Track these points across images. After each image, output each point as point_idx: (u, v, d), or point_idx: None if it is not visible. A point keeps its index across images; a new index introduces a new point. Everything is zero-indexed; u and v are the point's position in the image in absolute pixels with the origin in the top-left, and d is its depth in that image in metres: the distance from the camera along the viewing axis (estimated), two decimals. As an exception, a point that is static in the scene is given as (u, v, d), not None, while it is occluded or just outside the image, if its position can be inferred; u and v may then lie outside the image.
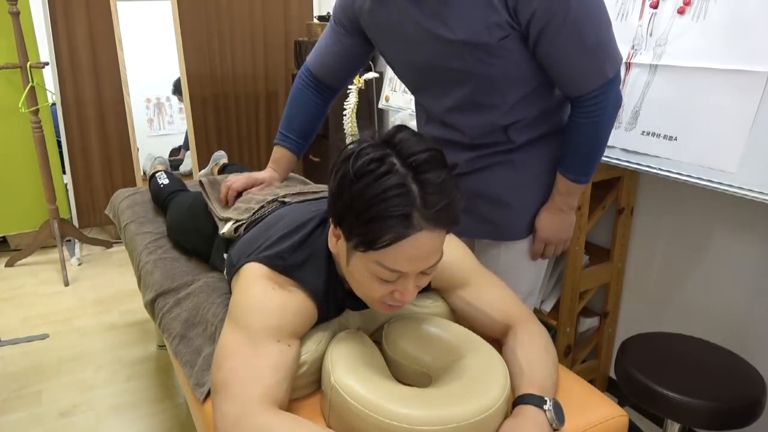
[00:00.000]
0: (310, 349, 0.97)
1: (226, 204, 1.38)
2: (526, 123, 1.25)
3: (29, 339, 2.31)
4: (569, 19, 1.05)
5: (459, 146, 1.30)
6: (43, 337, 2.33)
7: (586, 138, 1.20)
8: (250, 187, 1.40)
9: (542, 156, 1.29)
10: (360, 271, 0.88)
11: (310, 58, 1.44)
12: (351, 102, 2.55)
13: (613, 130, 1.60)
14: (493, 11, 1.07)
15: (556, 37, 1.07)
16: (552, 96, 1.25)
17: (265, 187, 1.42)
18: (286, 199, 1.24)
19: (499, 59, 1.13)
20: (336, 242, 0.92)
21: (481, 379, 0.90)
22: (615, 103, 1.17)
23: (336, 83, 1.45)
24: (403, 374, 1.02)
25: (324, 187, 1.38)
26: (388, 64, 1.35)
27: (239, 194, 1.40)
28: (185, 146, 3.33)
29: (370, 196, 0.81)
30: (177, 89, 3.23)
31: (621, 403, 1.88)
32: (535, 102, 1.23)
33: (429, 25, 1.13)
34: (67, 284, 2.79)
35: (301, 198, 1.25)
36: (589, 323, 1.98)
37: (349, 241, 0.87)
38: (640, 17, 1.55)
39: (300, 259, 0.99)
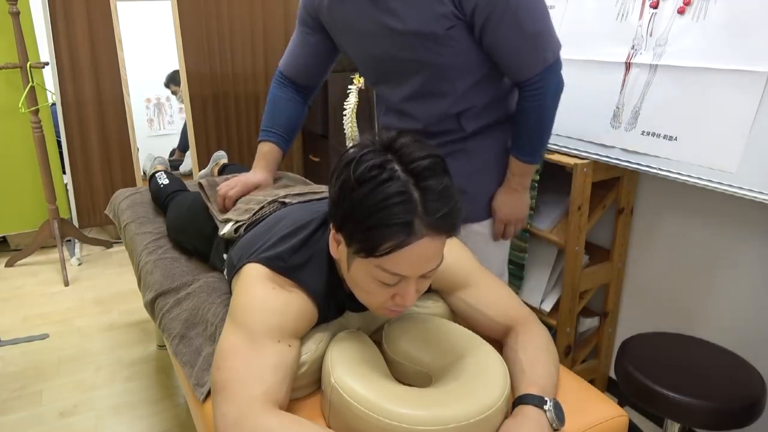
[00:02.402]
0: (310, 349, 0.97)
1: (225, 211, 1.38)
2: (476, 111, 1.33)
3: (29, 339, 2.31)
4: (509, 10, 1.14)
5: (416, 135, 1.37)
6: (43, 337, 2.33)
7: (533, 121, 1.30)
8: (247, 194, 1.41)
9: (494, 144, 1.38)
10: (361, 275, 0.88)
11: (281, 62, 1.50)
12: (351, 102, 2.55)
13: (613, 130, 1.60)
14: (439, 3, 1.15)
15: (498, 27, 1.17)
16: (500, 85, 1.33)
17: (261, 190, 1.42)
18: (287, 200, 1.24)
19: (447, 48, 1.21)
20: (337, 247, 0.92)
21: (481, 379, 0.90)
22: (557, 86, 1.27)
23: (310, 82, 1.50)
24: (403, 374, 1.02)
25: (324, 187, 1.38)
26: (350, 57, 1.41)
27: (238, 198, 1.40)
28: (180, 147, 3.33)
29: (371, 204, 0.81)
30: (171, 80, 3.23)
31: (621, 403, 1.88)
32: (484, 90, 1.31)
33: (382, 18, 1.21)
34: (67, 284, 2.79)
35: (301, 199, 1.25)
36: (589, 323, 1.98)
37: (350, 246, 0.87)
38: (640, 17, 1.55)
39: (300, 261, 0.99)
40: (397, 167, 0.82)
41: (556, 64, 1.25)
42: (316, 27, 1.39)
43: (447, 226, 0.84)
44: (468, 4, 1.15)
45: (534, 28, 1.19)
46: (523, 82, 1.26)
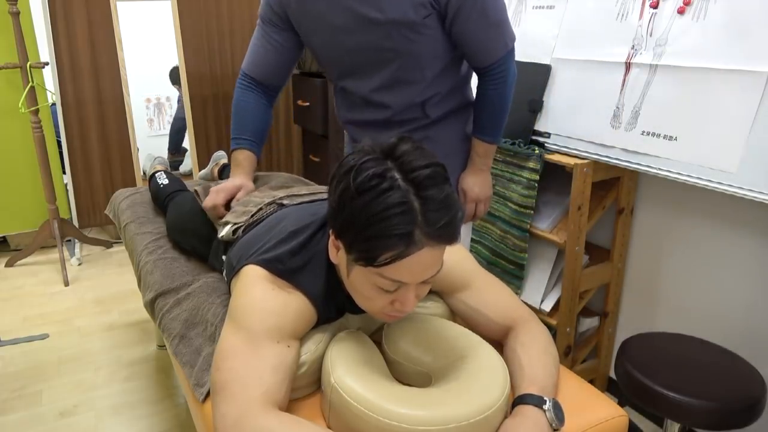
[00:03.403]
0: (310, 349, 0.97)
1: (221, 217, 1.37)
2: (439, 98, 1.43)
3: (29, 339, 2.31)
4: (478, 1, 1.27)
5: (382, 125, 1.46)
6: (43, 337, 2.33)
7: (496, 103, 1.42)
8: (232, 196, 1.40)
9: (455, 130, 1.50)
10: (360, 282, 0.88)
11: (244, 63, 1.51)
12: (351, 102, 2.55)
13: (613, 130, 1.60)
14: None
15: (468, 17, 1.28)
16: (459, 73, 1.45)
17: (245, 192, 1.41)
18: (285, 201, 1.24)
19: (422, 36, 1.30)
20: (336, 253, 0.92)
21: (481, 379, 0.90)
22: (514, 71, 1.41)
23: (276, 81, 1.51)
24: (403, 374, 1.02)
25: (322, 188, 1.38)
26: (315, 53, 1.44)
27: (227, 204, 1.39)
28: (170, 148, 3.33)
29: (371, 214, 0.80)
30: (174, 79, 3.23)
31: (621, 403, 1.88)
32: (447, 77, 1.42)
33: (361, 9, 1.28)
34: (67, 284, 2.79)
35: (300, 200, 1.25)
36: (589, 323, 1.98)
37: (349, 254, 0.86)
38: (640, 17, 1.55)
39: (299, 264, 0.99)
40: (397, 176, 0.81)
41: (513, 51, 1.40)
42: (284, 25, 1.41)
43: (447, 236, 0.83)
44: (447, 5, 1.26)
45: (497, 17, 1.32)
46: (486, 68, 1.38)
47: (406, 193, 0.80)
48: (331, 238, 0.92)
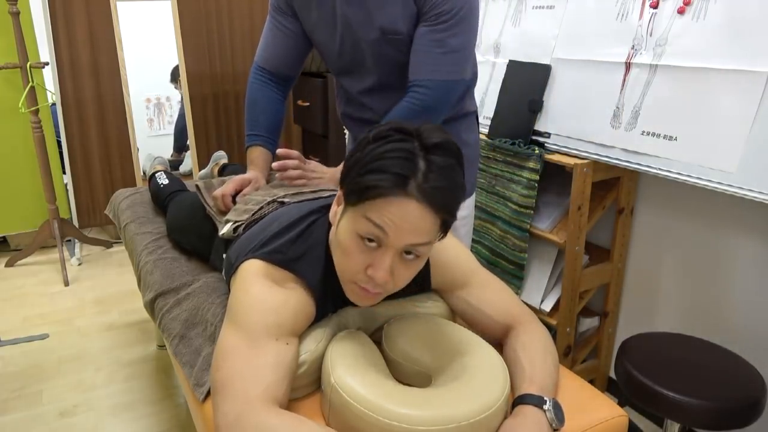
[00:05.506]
0: (310, 348, 0.97)
1: (225, 211, 1.38)
2: None
3: (29, 339, 2.31)
4: (443, 17, 1.24)
5: (370, 124, 1.44)
6: (43, 337, 2.33)
7: (395, 114, 1.31)
8: (241, 189, 1.40)
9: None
10: (345, 229, 0.88)
11: (257, 56, 1.50)
12: (351, 102, 2.55)
13: (613, 130, 1.60)
14: (406, 5, 1.26)
15: (426, 21, 1.26)
16: None
17: (255, 186, 1.42)
18: (285, 200, 1.24)
19: (409, 46, 1.30)
20: (336, 208, 0.94)
21: (481, 379, 0.90)
22: (440, 107, 1.31)
23: (290, 72, 1.51)
24: (403, 374, 1.02)
25: (323, 186, 1.38)
26: (317, 46, 1.45)
27: (235, 196, 1.40)
28: (176, 148, 3.33)
29: (378, 153, 0.84)
30: (173, 77, 3.24)
31: (621, 403, 1.88)
32: None
33: (353, 17, 1.30)
34: (67, 284, 2.79)
35: (300, 198, 1.25)
36: (589, 323, 1.98)
37: (345, 195, 0.88)
38: (640, 17, 1.55)
39: (299, 252, 0.99)
40: (415, 143, 0.85)
41: (454, 85, 1.30)
42: (293, 13, 1.42)
43: (439, 201, 0.84)
44: (423, 7, 1.25)
45: (455, 44, 1.26)
46: (411, 81, 1.30)
47: (415, 149, 0.84)
48: (338, 194, 0.93)
